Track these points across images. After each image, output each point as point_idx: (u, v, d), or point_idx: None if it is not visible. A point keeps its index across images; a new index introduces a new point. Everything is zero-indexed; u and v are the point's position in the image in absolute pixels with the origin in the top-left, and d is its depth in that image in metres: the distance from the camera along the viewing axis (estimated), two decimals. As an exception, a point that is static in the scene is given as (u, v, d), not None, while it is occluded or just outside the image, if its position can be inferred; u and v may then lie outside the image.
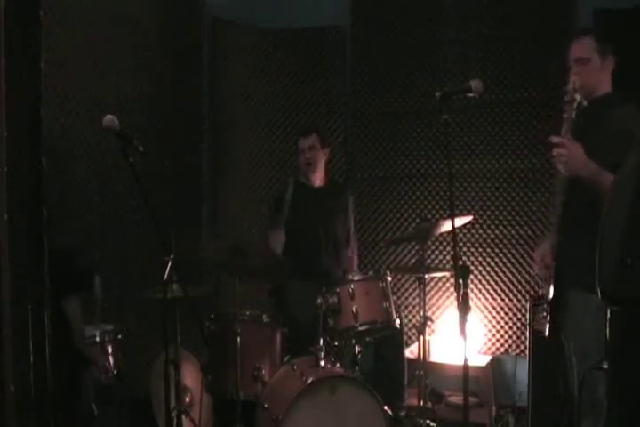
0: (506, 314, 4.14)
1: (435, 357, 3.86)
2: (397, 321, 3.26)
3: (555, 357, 2.76)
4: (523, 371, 3.64)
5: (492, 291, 4.17)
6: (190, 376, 3.27)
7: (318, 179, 3.84)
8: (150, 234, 2.42)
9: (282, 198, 3.93)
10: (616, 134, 2.36)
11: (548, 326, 2.53)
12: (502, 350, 4.16)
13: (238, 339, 2.98)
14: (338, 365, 3.04)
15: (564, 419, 2.75)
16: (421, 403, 3.31)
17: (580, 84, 2.52)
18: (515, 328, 4.12)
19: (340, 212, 3.89)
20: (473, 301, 4.13)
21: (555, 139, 2.48)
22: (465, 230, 4.17)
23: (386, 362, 3.72)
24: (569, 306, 2.51)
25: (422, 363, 3.32)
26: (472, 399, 3.61)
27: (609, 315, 2.17)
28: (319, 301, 3.13)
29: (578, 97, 2.52)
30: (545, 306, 2.54)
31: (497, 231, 4.16)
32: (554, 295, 2.51)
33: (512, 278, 4.13)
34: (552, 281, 2.52)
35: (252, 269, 3.22)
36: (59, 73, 3.20)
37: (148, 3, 3.82)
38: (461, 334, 2.23)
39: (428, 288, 3.78)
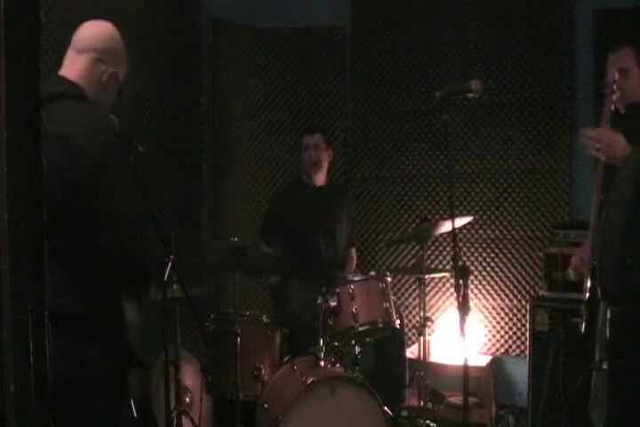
0: (506, 314, 4.14)
1: (435, 357, 3.86)
2: (397, 322, 3.26)
3: (555, 356, 2.77)
4: (523, 371, 3.65)
5: (492, 291, 4.17)
6: (190, 376, 3.27)
7: (321, 179, 3.87)
8: (150, 234, 2.41)
9: (282, 199, 3.94)
10: None
11: (584, 324, 2.52)
12: (502, 350, 4.16)
13: (238, 339, 2.98)
14: (338, 365, 3.04)
15: (564, 419, 2.75)
16: (421, 403, 3.31)
17: (618, 86, 2.54)
18: (515, 328, 4.12)
19: (341, 212, 3.90)
20: (473, 301, 4.13)
21: (592, 130, 2.49)
22: (465, 231, 4.17)
23: (386, 363, 3.72)
24: (604, 304, 2.51)
25: (422, 363, 3.32)
26: (472, 400, 3.61)
27: (609, 315, 2.18)
28: (319, 301, 3.13)
29: (617, 90, 2.54)
30: (582, 307, 2.54)
31: (497, 232, 4.16)
32: (591, 294, 2.50)
33: (512, 278, 4.13)
34: (590, 280, 2.51)
35: (251, 266, 3.23)
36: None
37: (148, 3, 3.82)
38: (461, 335, 2.23)
39: (427, 289, 3.79)
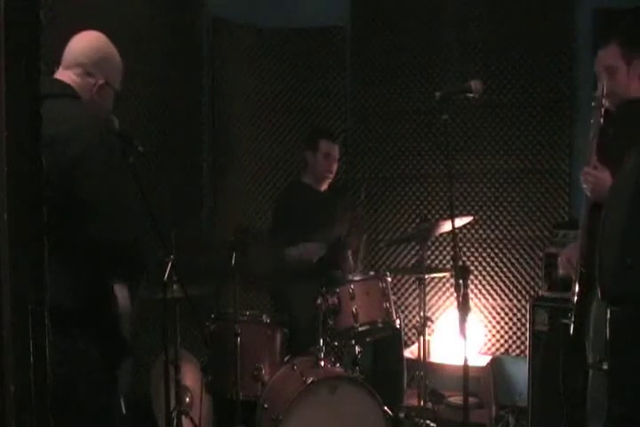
0: (506, 314, 4.14)
1: (435, 357, 3.86)
2: (397, 322, 3.26)
3: (555, 356, 2.76)
4: (523, 371, 3.65)
5: (492, 291, 4.16)
6: (190, 376, 3.27)
7: (326, 184, 3.86)
8: (150, 234, 2.42)
9: (285, 200, 3.91)
10: None
11: (572, 326, 2.51)
12: (502, 350, 4.16)
13: (238, 339, 2.99)
14: (338, 365, 3.04)
15: (564, 419, 2.75)
16: (421, 403, 3.31)
17: (608, 92, 2.50)
18: (515, 328, 4.12)
19: (345, 213, 3.89)
20: (473, 301, 4.12)
21: (584, 170, 2.49)
22: (465, 231, 4.16)
23: (386, 363, 3.72)
24: (595, 306, 2.51)
25: (422, 363, 3.32)
26: (472, 400, 3.61)
27: (609, 315, 2.17)
28: (319, 301, 3.13)
29: (606, 103, 2.50)
30: (571, 307, 2.53)
31: (497, 231, 4.16)
32: (579, 297, 2.49)
33: (512, 278, 4.13)
34: (577, 282, 2.50)
35: (251, 265, 3.23)
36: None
37: (148, 3, 3.82)
38: (461, 335, 2.24)
39: (427, 289, 3.78)
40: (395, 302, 3.32)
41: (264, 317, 3.27)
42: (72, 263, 1.75)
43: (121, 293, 1.86)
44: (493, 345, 4.18)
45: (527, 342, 3.66)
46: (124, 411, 1.95)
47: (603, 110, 2.49)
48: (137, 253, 1.86)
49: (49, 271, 1.69)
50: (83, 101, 1.93)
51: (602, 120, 2.49)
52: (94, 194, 1.77)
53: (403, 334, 3.88)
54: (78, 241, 1.74)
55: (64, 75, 1.96)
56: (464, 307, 2.21)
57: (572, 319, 2.50)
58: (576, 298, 2.48)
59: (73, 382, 1.71)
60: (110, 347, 1.83)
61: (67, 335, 1.71)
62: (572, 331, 2.51)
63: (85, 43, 2.02)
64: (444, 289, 4.27)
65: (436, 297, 4.27)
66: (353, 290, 3.16)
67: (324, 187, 3.88)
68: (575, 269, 2.52)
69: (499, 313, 4.16)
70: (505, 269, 4.14)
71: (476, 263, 4.19)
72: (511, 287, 4.13)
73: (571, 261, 2.60)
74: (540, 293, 3.64)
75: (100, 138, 1.83)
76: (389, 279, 3.31)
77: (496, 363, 4.08)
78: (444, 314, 4.23)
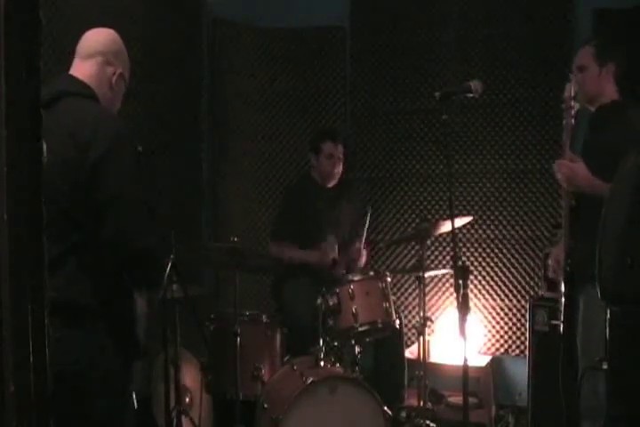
0: (506, 314, 4.14)
1: (434, 357, 3.85)
2: (397, 322, 3.26)
3: (555, 356, 2.76)
4: (523, 371, 3.65)
5: (491, 291, 4.16)
6: (190, 376, 3.27)
7: (333, 183, 3.84)
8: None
9: (295, 197, 3.87)
10: (625, 139, 2.35)
11: (562, 325, 2.53)
12: (502, 350, 4.16)
13: (238, 339, 2.99)
14: (338, 365, 3.04)
15: (564, 419, 2.75)
16: (421, 403, 3.31)
17: (577, 91, 2.54)
18: (515, 328, 4.12)
19: (350, 212, 3.88)
20: (473, 301, 4.12)
21: (558, 162, 2.53)
22: (465, 230, 4.16)
23: (386, 363, 3.72)
24: (583, 304, 2.51)
25: (422, 363, 3.32)
26: (472, 400, 3.60)
27: (609, 315, 2.18)
28: (319, 301, 3.13)
29: (574, 104, 2.53)
30: (560, 307, 2.54)
31: (497, 231, 4.16)
32: (567, 295, 2.50)
33: (512, 278, 4.12)
34: (565, 281, 2.51)
35: (251, 266, 3.23)
36: (58, 73, 3.20)
37: (149, 3, 3.82)
38: (461, 335, 2.24)
39: (427, 288, 3.78)
40: (394, 302, 3.32)
41: (264, 317, 3.27)
42: (95, 260, 1.77)
43: (139, 296, 1.87)
44: (493, 345, 4.18)
45: (527, 342, 3.66)
46: (135, 406, 1.97)
47: (572, 111, 2.53)
48: (159, 254, 1.88)
49: (72, 266, 1.72)
50: (99, 104, 1.95)
51: (573, 120, 2.53)
52: (120, 194, 1.77)
53: (403, 334, 3.88)
54: (103, 240, 1.76)
55: (83, 66, 1.98)
56: (464, 307, 2.21)
57: (562, 319, 2.51)
58: (563, 299, 2.50)
59: (90, 375, 1.74)
60: (124, 347, 1.85)
61: (85, 330, 1.74)
62: (562, 331, 2.52)
63: (103, 35, 2.05)
64: (443, 289, 4.26)
65: (435, 297, 4.27)
66: (353, 290, 3.16)
67: (332, 184, 3.85)
68: (562, 270, 2.54)
69: (498, 313, 4.16)
70: (505, 269, 4.14)
71: (476, 263, 4.19)
72: (511, 287, 4.13)
73: (560, 263, 2.61)
74: (540, 293, 3.64)
75: (125, 138, 1.84)
76: (389, 279, 3.30)
77: (496, 363, 4.08)
78: (444, 314, 4.23)
